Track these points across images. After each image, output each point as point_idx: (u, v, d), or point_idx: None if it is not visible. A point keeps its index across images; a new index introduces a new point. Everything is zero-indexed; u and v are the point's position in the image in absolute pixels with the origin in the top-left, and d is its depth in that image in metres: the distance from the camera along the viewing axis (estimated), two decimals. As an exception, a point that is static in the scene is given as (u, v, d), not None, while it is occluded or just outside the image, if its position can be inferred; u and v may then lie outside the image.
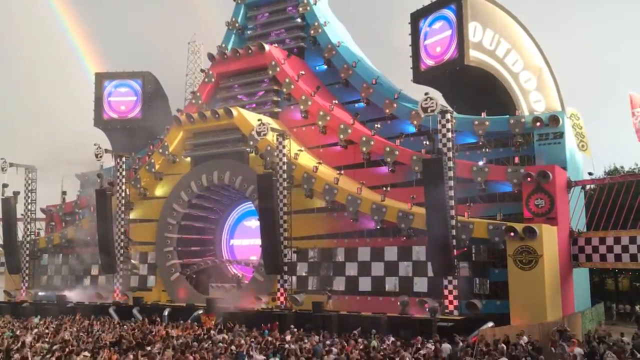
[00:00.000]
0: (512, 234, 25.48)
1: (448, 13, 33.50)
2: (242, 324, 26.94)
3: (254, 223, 37.65)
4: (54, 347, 17.96)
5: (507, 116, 30.60)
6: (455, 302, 27.01)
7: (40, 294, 42.38)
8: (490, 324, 24.05)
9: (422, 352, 17.79)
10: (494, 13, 33.43)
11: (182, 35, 77.29)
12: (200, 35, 63.90)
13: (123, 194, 39.38)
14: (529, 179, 27.34)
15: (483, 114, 30.90)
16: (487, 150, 30.89)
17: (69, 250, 43.68)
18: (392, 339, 21.87)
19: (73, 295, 39.72)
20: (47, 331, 24.36)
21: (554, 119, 29.30)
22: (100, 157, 40.25)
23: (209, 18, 64.60)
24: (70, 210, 45.84)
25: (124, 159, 40.01)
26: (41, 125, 66.92)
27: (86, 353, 16.57)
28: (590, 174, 30.45)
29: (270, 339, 21.24)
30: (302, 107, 36.59)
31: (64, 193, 47.06)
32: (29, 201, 43.64)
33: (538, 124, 29.42)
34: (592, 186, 32.61)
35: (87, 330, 25.27)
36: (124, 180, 39.57)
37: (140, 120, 48.04)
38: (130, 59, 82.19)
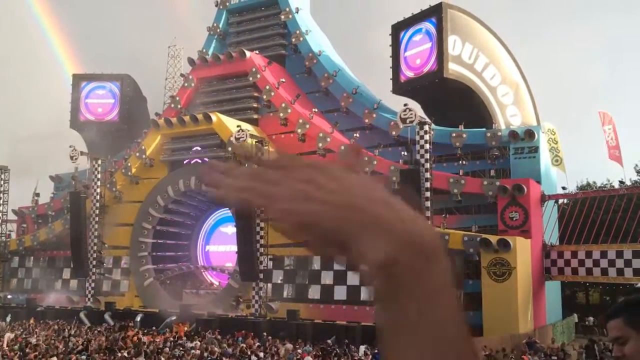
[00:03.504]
0: (486, 245, 25.76)
1: (428, 26, 33.92)
2: (215, 331, 26.74)
3: (230, 229, 37.45)
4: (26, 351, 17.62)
5: (484, 129, 31.00)
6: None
7: (9, 297, 41.49)
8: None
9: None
10: (474, 28, 33.95)
11: (162, 38, 76.98)
12: (180, 39, 63.53)
13: (98, 197, 38.87)
14: (504, 192, 27.69)
15: (461, 127, 31.27)
16: (464, 162, 31.22)
17: (41, 253, 42.90)
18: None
19: (43, 299, 38.98)
20: (12, 336, 23.86)
21: (530, 133, 29.77)
22: (76, 159, 39.75)
23: (190, 22, 64.42)
24: (43, 212, 45.05)
25: (99, 161, 39.53)
26: (15, 126, 65.90)
27: (55, 359, 16.28)
28: (563, 188, 30.98)
29: (243, 346, 21.10)
30: (281, 114, 36.61)
31: (37, 195, 46.30)
32: (1, 202, 42.86)
33: (514, 137, 29.86)
34: (565, 200, 33.14)
35: (57, 335, 24.82)
36: (99, 183, 39.07)
37: (117, 123, 47.55)
38: (109, 61, 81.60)
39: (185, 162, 38.56)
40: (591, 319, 35.63)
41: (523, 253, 26.29)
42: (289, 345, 21.65)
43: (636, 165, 42.83)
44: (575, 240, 28.38)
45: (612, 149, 29.93)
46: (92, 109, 48.14)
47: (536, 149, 29.74)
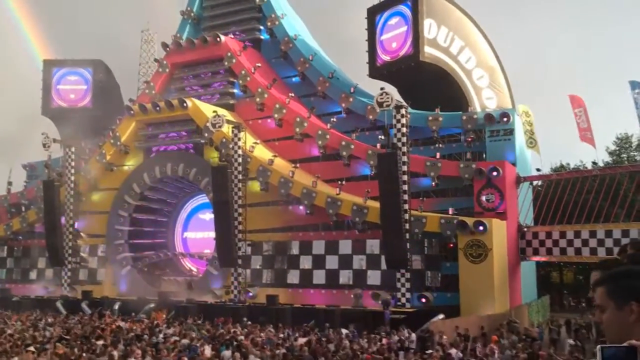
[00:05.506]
0: (463, 227, 26.06)
1: (404, 9, 33.88)
2: (194, 317, 26.69)
3: (208, 216, 37.26)
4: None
5: (460, 112, 31.19)
6: (408, 295, 27.45)
7: (-18, 287, 40.80)
8: (441, 316, 24.54)
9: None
10: (449, 11, 34.02)
11: (135, 23, 75.57)
12: (154, 24, 62.50)
13: (72, 185, 38.28)
14: (480, 175, 27.97)
15: (437, 110, 31.42)
16: (440, 145, 31.42)
17: (15, 242, 42.22)
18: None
19: (18, 289, 38.44)
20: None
21: (505, 116, 30.04)
22: (48, 146, 39.01)
23: (163, 6, 63.29)
24: (16, 201, 44.22)
25: (73, 149, 38.88)
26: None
27: (32, 348, 16.07)
28: (538, 170, 31.41)
29: (222, 331, 21.10)
30: (258, 99, 36.36)
31: (9, 184, 45.40)
32: (-28, 192, 41.94)
33: (489, 120, 30.11)
34: (540, 182, 33.65)
35: (33, 325, 24.51)
36: (72, 171, 38.46)
37: (90, 109, 46.75)
38: (81, 46, 79.97)
39: (161, 148, 38.16)
40: (570, 299, 36.35)
41: (499, 234, 26.67)
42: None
43: (607, 147, 43.67)
44: (549, 221, 28.87)
45: (583, 131, 30.38)
46: (64, 95, 47.24)
47: (511, 132, 30.05)
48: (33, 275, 41.15)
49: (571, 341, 18.69)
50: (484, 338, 20.16)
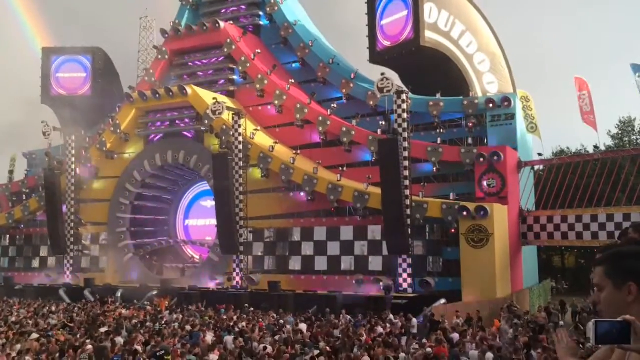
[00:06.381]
0: (465, 213, 26.04)
1: (404, -6, 33.53)
2: (197, 304, 26.80)
3: (209, 203, 37.28)
4: (1, 329, 17.45)
5: (461, 97, 31.04)
6: (410, 280, 27.51)
7: (-14, 276, 41.00)
8: (443, 301, 24.63)
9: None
10: (450, -6, 33.67)
11: (134, 10, 75.08)
12: (152, 10, 62.15)
13: (73, 174, 38.26)
14: (481, 160, 27.89)
15: (438, 95, 31.25)
16: (442, 130, 31.31)
17: (17, 231, 42.32)
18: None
19: (21, 277, 38.60)
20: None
21: (506, 101, 29.89)
22: (49, 135, 38.95)
23: (162, -7, 62.83)
24: (18, 190, 44.24)
25: (73, 137, 38.81)
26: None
27: (35, 335, 16.16)
28: (539, 154, 31.31)
29: (225, 318, 21.19)
30: (258, 86, 36.19)
31: (10, 172, 45.41)
32: (-27, 181, 41.96)
33: (491, 105, 29.95)
34: (541, 167, 33.56)
35: (36, 312, 24.63)
36: (73, 159, 38.43)
37: (90, 97, 46.51)
38: (80, 33, 79.51)
39: (161, 135, 38.07)
40: (563, 282, 36.43)
41: (500, 219, 26.65)
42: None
43: (609, 131, 43.52)
44: (551, 205, 28.83)
45: (586, 114, 30.22)
46: (64, 83, 47.03)
47: (512, 116, 29.91)
48: (35, 263, 41.31)
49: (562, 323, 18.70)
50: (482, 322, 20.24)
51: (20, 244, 42.26)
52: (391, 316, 21.10)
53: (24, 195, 43.44)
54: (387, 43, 34.34)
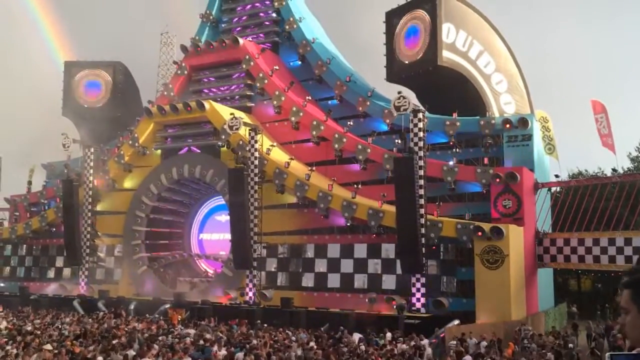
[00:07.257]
0: (479, 233, 25.85)
1: (421, 17, 33.71)
2: (210, 318, 26.79)
3: (224, 217, 37.41)
4: (17, 339, 17.58)
5: (478, 117, 30.98)
6: (423, 300, 27.29)
7: (1, 285, 41.43)
8: (456, 321, 24.37)
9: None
10: (468, 15, 33.80)
11: (155, 26, 76.31)
12: (173, 26, 63.06)
13: (90, 185, 38.69)
14: (497, 180, 27.75)
15: (454, 115, 31.22)
16: (458, 150, 31.23)
17: (34, 241, 42.80)
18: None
19: (36, 287, 38.93)
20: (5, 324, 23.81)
21: (523, 122, 29.77)
22: (68, 147, 39.51)
23: (183, 9, 63.86)
24: (36, 200, 44.87)
25: (92, 149, 39.31)
26: (7, 114, 65.36)
27: (49, 346, 16.24)
28: (556, 176, 31.07)
29: (237, 333, 21.15)
30: (275, 102, 36.45)
31: (29, 183, 46.05)
32: (-7, 190, 42.59)
33: (507, 125, 29.85)
34: (558, 188, 33.26)
35: (51, 323, 24.78)
36: (91, 171, 38.89)
37: (110, 110, 47.20)
38: (101, 48, 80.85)
39: (179, 151, 38.42)
40: (574, 308, 35.68)
41: (516, 240, 26.41)
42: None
43: (629, 153, 43.05)
44: (567, 227, 28.51)
45: (604, 137, 29.98)
46: (84, 96, 47.78)
47: (529, 137, 29.77)
48: (51, 273, 41.69)
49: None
50: (498, 344, 19.96)
51: (36, 254, 42.69)
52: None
53: (42, 206, 44.01)
54: (404, 62, 34.46)
